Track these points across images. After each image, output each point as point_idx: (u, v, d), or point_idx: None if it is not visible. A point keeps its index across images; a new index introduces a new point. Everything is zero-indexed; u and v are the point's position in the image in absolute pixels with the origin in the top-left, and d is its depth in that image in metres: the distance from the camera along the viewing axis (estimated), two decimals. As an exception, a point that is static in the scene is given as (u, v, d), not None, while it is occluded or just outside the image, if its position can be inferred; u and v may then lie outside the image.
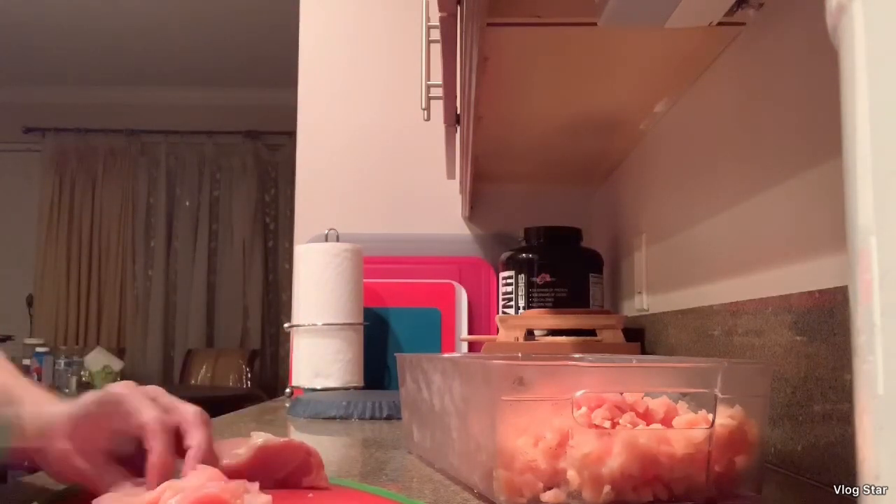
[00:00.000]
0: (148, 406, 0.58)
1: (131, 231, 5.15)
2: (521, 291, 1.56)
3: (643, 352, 1.36)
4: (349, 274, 1.58)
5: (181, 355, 4.94)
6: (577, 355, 0.96)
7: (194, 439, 0.57)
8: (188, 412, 0.59)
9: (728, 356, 0.92)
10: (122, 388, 0.60)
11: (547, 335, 1.42)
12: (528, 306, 1.55)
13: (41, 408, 0.63)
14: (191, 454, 0.56)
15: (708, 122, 1.07)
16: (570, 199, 1.93)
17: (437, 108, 1.31)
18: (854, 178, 0.25)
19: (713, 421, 0.56)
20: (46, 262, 5.08)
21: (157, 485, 0.52)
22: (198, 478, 0.52)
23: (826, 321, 0.68)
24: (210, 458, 0.56)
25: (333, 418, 1.22)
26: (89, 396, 0.60)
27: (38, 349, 3.89)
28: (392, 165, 1.97)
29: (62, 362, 3.87)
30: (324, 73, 2.01)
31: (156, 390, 0.62)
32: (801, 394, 0.72)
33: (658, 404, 0.58)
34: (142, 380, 4.53)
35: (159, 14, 4.14)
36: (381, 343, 1.73)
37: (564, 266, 1.57)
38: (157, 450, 0.55)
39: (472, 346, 1.67)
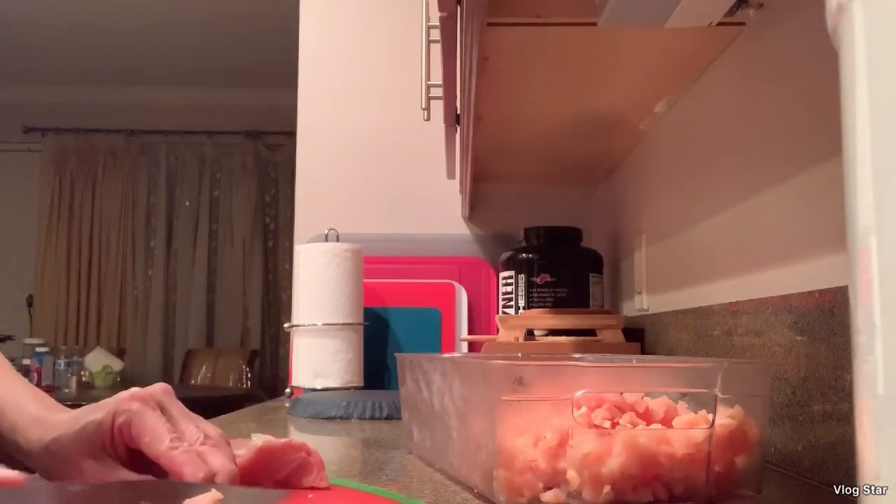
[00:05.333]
0: (162, 429, 0.55)
1: (131, 231, 5.15)
2: (521, 291, 1.56)
3: (643, 352, 1.36)
4: (349, 274, 1.58)
5: (181, 355, 4.94)
6: (577, 355, 0.96)
7: (216, 463, 0.54)
8: (211, 433, 0.56)
9: (728, 356, 0.92)
10: (133, 403, 0.56)
11: (547, 335, 1.42)
12: (528, 306, 1.55)
13: (45, 419, 0.60)
14: (219, 480, 0.53)
15: (708, 122, 1.07)
16: (570, 199, 1.93)
17: (437, 108, 1.31)
18: (854, 178, 0.25)
19: (713, 421, 0.56)
20: (46, 262, 5.08)
21: None
22: None
23: (826, 321, 0.68)
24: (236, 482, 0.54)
25: (333, 418, 1.22)
26: (100, 408, 0.57)
27: (38, 349, 3.88)
28: (392, 165, 1.97)
29: (62, 362, 3.86)
30: (324, 73, 2.01)
31: (164, 395, 0.58)
32: (801, 394, 0.72)
33: (658, 404, 0.58)
34: (142, 380, 4.48)
35: (159, 14, 4.14)
36: (381, 343, 1.73)
37: (564, 266, 1.57)
38: (192, 474, 0.53)
39: (472, 346, 1.67)
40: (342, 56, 2.01)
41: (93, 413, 0.57)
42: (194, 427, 0.57)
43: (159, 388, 0.59)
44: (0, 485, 0.50)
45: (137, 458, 0.57)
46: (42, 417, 0.61)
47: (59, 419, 0.60)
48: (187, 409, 0.59)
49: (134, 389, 0.58)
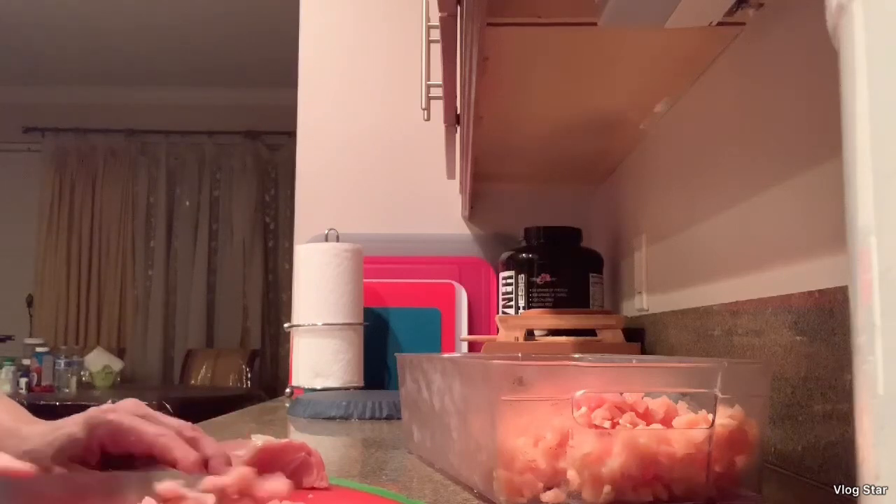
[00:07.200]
0: (144, 422, 0.57)
1: (131, 231, 5.15)
2: (521, 291, 1.56)
3: (643, 352, 1.36)
4: (349, 274, 1.58)
5: (181, 355, 4.94)
6: (577, 355, 0.96)
7: (209, 448, 0.57)
8: (185, 425, 0.58)
9: (728, 356, 0.92)
10: (108, 415, 0.58)
11: (547, 335, 1.42)
12: (528, 306, 1.55)
13: (18, 431, 0.61)
14: (214, 462, 0.56)
15: (708, 122, 1.07)
16: (570, 199, 1.93)
17: (437, 108, 1.31)
18: (854, 179, 0.25)
19: (713, 421, 0.56)
20: (46, 262, 5.08)
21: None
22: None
23: (826, 321, 0.68)
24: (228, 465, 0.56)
25: (333, 418, 1.22)
26: (73, 423, 0.59)
27: (38, 349, 3.88)
28: (392, 165, 1.97)
29: (62, 362, 3.86)
30: (324, 73, 2.01)
31: (136, 406, 0.60)
32: (801, 394, 0.72)
33: (658, 404, 0.58)
34: (142, 380, 4.45)
35: (159, 14, 4.14)
36: (381, 343, 1.73)
37: (564, 266, 1.57)
38: (184, 456, 0.55)
39: (472, 346, 1.67)
40: (342, 56, 2.01)
41: (65, 426, 0.59)
42: (176, 421, 0.59)
43: (130, 402, 0.61)
44: (9, 475, 0.51)
45: (112, 468, 0.59)
46: (15, 429, 0.62)
47: (33, 431, 0.61)
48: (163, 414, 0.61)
49: (104, 405, 0.60)
